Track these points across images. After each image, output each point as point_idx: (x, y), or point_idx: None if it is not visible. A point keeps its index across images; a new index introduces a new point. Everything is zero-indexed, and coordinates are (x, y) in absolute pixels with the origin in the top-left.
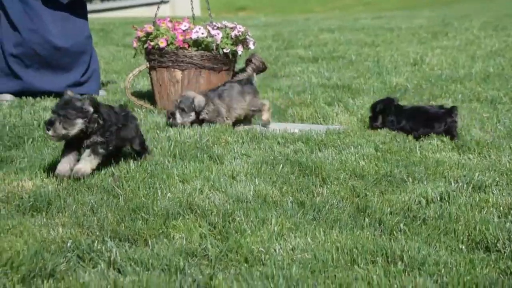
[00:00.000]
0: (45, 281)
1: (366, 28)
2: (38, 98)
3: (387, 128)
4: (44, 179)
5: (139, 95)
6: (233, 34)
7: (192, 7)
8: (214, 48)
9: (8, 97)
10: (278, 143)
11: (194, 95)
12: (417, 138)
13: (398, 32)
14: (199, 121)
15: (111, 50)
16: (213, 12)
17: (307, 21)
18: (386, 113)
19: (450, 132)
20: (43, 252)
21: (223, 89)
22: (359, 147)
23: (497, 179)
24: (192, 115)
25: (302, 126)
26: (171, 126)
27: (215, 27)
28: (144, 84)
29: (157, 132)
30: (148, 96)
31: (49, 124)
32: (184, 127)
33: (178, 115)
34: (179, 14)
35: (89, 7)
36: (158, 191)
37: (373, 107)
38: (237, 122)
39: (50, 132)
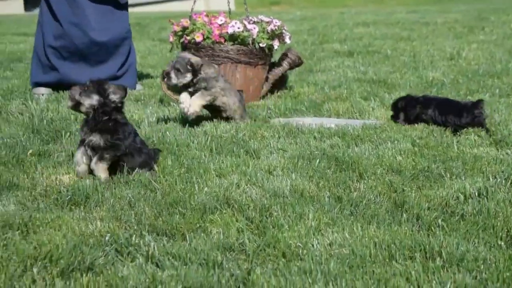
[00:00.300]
0: (84, 275)
1: (401, 22)
2: None
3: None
4: None
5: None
6: (269, 28)
7: (228, 1)
8: (250, 42)
9: (43, 90)
10: (315, 137)
11: (190, 56)
12: (446, 126)
13: (434, 27)
14: (190, 89)
15: (147, 44)
16: (247, 6)
17: (342, 15)
18: (408, 110)
19: (479, 123)
20: (82, 246)
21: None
22: (395, 142)
23: None
24: (188, 76)
25: (338, 121)
26: (168, 88)
27: (251, 22)
28: None
29: (194, 126)
30: None
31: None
32: (220, 122)
33: (173, 75)
34: (213, 8)
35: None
36: (195, 185)
37: (394, 105)
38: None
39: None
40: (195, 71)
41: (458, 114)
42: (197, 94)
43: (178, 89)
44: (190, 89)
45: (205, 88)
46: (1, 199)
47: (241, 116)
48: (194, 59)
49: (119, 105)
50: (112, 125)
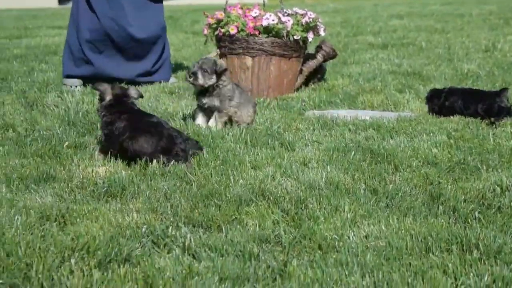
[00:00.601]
0: (121, 266)
1: (436, 14)
2: None
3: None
4: (118, 165)
5: None
6: (303, 20)
7: None
8: (285, 34)
9: (77, 82)
10: (349, 130)
11: (215, 58)
12: (471, 115)
13: (469, 18)
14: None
15: (180, 37)
16: None
17: (375, 7)
18: (433, 100)
19: (500, 110)
20: (119, 237)
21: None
22: (431, 134)
23: None
24: (214, 78)
25: (373, 113)
26: (193, 85)
27: (285, 14)
28: None
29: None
30: None
31: None
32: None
33: (200, 75)
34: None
35: None
36: (231, 177)
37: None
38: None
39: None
40: (218, 74)
41: (479, 102)
42: (215, 118)
43: (197, 91)
44: (206, 96)
45: (219, 110)
46: (39, 190)
47: (248, 124)
48: (220, 61)
49: None
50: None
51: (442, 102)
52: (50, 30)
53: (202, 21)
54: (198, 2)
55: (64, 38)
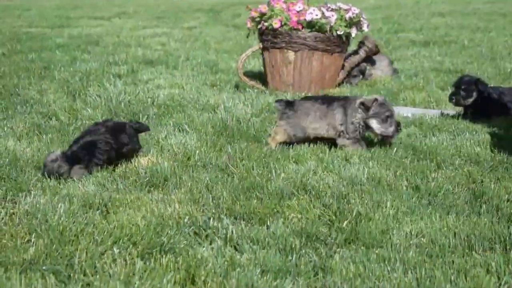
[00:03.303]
0: (163, 256)
1: (478, 13)
2: (151, 76)
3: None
4: (160, 156)
5: (250, 75)
6: (347, 16)
7: None
8: (328, 29)
9: None
10: None
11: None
12: None
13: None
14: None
15: (221, 30)
16: None
17: (417, 4)
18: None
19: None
20: (161, 227)
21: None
22: (474, 132)
23: None
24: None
25: (415, 110)
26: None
27: (329, 9)
28: (255, 65)
29: (267, 113)
30: (260, 77)
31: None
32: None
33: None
34: None
35: None
36: (272, 171)
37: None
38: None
39: None
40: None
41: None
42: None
43: None
44: None
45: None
46: (81, 179)
47: None
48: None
49: None
50: None
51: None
52: (92, 20)
53: (243, 15)
54: None
55: (106, 29)
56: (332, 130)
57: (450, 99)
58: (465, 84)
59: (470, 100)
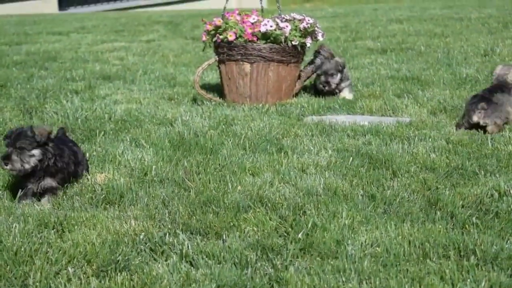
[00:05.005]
0: (118, 274)
1: (435, 19)
2: (108, 91)
3: None
4: (116, 172)
5: (208, 88)
6: (301, 26)
7: (261, 0)
8: (283, 40)
9: None
10: (348, 135)
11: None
12: None
13: (468, 22)
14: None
15: (180, 42)
16: (280, 4)
17: (375, 12)
18: None
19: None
20: (117, 245)
21: None
22: (429, 139)
23: None
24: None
25: (372, 119)
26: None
27: (283, 20)
28: (213, 77)
29: (227, 125)
30: (217, 89)
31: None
32: (252, 120)
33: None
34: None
35: None
36: (229, 184)
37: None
38: None
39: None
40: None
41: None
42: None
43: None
44: None
45: None
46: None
47: None
48: (341, 59)
49: None
50: None
51: None
52: (50, 36)
53: (202, 27)
54: (198, 7)
55: (64, 45)
56: None
57: None
58: None
59: None
